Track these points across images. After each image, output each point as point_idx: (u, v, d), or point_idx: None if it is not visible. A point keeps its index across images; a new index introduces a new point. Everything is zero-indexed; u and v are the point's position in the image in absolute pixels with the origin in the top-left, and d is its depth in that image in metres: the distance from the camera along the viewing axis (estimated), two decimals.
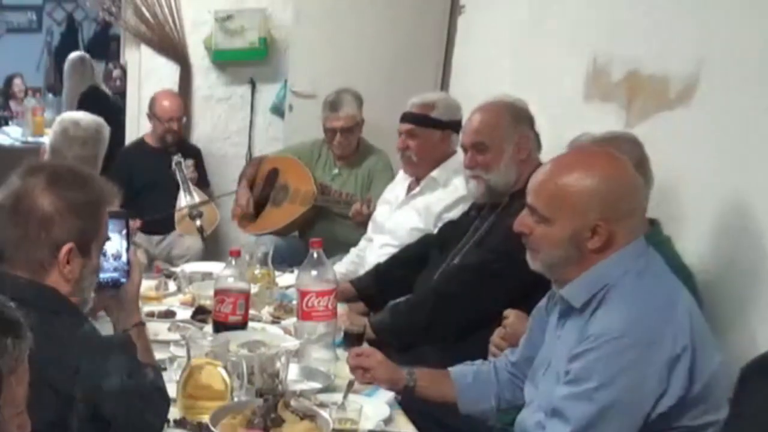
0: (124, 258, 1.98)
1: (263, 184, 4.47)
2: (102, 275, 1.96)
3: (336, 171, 4.31)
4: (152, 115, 4.84)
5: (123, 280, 2.00)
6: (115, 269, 1.98)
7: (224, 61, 5.20)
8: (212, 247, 4.73)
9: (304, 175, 4.30)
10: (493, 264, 2.66)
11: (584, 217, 1.91)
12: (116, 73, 6.37)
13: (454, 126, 3.40)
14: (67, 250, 1.77)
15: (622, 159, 1.98)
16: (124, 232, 1.97)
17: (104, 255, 1.95)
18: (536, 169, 2.10)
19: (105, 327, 2.03)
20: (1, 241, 1.79)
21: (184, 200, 4.69)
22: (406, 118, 3.48)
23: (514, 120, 2.82)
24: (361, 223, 3.91)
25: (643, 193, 2.03)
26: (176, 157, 4.72)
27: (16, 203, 1.77)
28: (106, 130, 3.42)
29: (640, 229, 1.98)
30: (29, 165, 1.83)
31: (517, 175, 2.80)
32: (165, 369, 2.22)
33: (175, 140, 4.85)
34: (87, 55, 7.33)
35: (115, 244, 1.97)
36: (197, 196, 4.72)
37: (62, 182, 1.79)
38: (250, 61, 5.19)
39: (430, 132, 3.43)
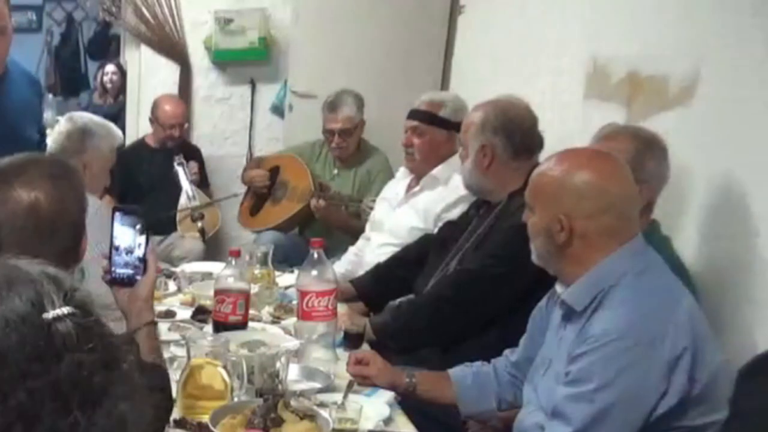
0: (136, 253, 1.95)
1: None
2: (118, 271, 1.95)
3: (335, 172, 4.31)
4: (154, 119, 4.84)
5: (138, 276, 1.96)
6: (126, 264, 1.95)
7: (224, 61, 5.20)
8: (213, 248, 4.73)
9: (303, 172, 4.31)
10: (493, 268, 2.66)
11: (553, 208, 1.93)
12: (109, 68, 6.22)
13: (460, 127, 3.40)
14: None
15: (610, 160, 1.97)
16: (138, 227, 1.95)
17: (117, 249, 1.93)
18: (529, 172, 2.11)
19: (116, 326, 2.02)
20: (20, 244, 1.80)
21: (185, 201, 4.70)
22: (413, 114, 3.47)
23: (482, 126, 2.81)
24: (322, 218, 4.03)
25: (628, 196, 1.95)
26: (178, 158, 4.73)
27: (28, 205, 1.79)
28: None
29: (623, 231, 1.93)
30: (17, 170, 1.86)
31: (484, 179, 2.83)
32: None
33: (177, 145, 4.86)
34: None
35: (128, 238, 1.93)
36: (199, 199, 4.73)
37: (57, 176, 1.83)
38: (250, 61, 5.19)
39: (436, 131, 3.42)
